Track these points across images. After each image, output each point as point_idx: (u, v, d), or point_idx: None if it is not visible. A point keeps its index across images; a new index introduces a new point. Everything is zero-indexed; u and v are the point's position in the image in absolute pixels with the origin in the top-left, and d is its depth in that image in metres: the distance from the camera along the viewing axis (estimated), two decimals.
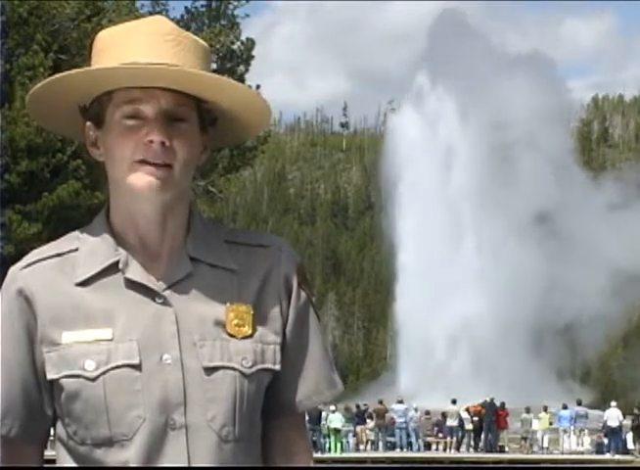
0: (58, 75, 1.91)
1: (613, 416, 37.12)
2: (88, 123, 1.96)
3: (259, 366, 1.93)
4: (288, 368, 1.97)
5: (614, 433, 37.10)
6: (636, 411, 37.75)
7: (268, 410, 1.97)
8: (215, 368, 1.89)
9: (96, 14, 26.80)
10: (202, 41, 1.98)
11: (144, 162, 1.87)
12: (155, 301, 1.90)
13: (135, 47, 1.90)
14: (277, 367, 1.95)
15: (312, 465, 2.04)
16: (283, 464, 2.01)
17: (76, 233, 1.98)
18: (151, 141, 1.87)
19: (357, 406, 40.58)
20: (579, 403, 39.24)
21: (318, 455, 33.52)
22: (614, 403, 37.66)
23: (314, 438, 35.76)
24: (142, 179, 1.87)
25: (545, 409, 39.67)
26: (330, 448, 37.21)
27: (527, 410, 39.32)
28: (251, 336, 1.93)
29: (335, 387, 2.03)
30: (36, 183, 25.64)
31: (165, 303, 1.91)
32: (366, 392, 62.47)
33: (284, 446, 2.00)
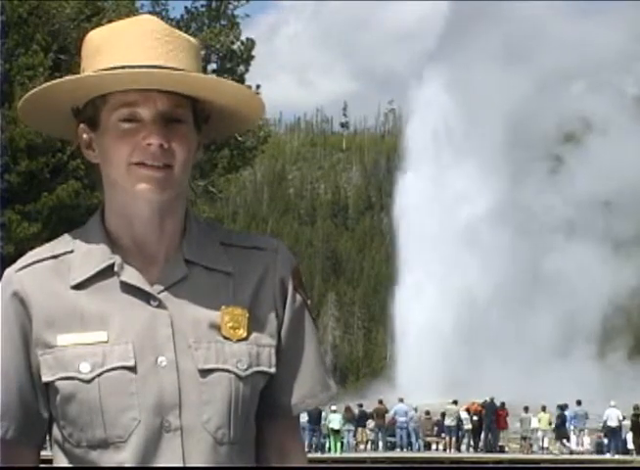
0: (51, 83, 1.90)
1: (612, 416, 37.13)
2: (82, 125, 1.95)
3: (254, 369, 1.92)
4: (283, 371, 1.97)
5: (613, 433, 37.12)
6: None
7: (263, 413, 1.97)
8: (210, 371, 1.89)
9: (96, 14, 26.81)
10: (192, 39, 1.98)
11: (142, 164, 1.87)
12: (150, 303, 1.90)
13: (128, 49, 1.89)
14: (272, 370, 1.95)
15: (308, 466, 2.03)
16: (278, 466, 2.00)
17: (71, 235, 1.98)
18: (149, 144, 1.87)
19: (360, 405, 40.55)
20: (579, 403, 39.23)
21: (318, 455, 33.57)
22: (613, 403, 37.64)
23: (314, 438, 35.80)
24: (141, 181, 1.87)
25: (544, 409, 39.67)
26: (330, 448, 37.23)
27: (526, 410, 39.29)
28: (246, 339, 1.93)
29: (329, 390, 2.03)
30: (36, 183, 25.66)
31: (161, 305, 1.90)
32: (366, 392, 62.41)
33: (278, 449, 2.00)
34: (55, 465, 1.94)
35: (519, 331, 68.32)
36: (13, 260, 1.97)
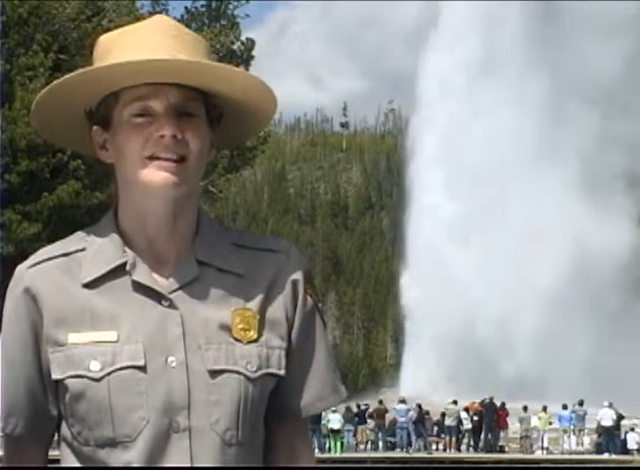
0: (61, 79, 1.89)
1: (606, 416, 37.10)
2: (95, 127, 1.95)
3: (264, 371, 1.92)
4: (292, 374, 1.97)
5: (608, 433, 37.06)
6: None
7: (272, 415, 1.97)
8: (220, 372, 1.89)
9: (96, 14, 26.83)
10: (200, 37, 1.98)
11: (155, 157, 1.86)
12: (161, 303, 1.90)
13: (138, 45, 1.89)
14: (282, 372, 1.95)
15: (307, 466, 2.03)
16: None
17: (84, 233, 1.97)
18: (162, 136, 1.86)
19: (358, 406, 40.56)
20: (581, 404, 39.21)
21: (318, 455, 33.54)
22: (607, 403, 37.58)
23: (314, 438, 35.79)
24: (156, 175, 1.86)
25: (544, 409, 39.67)
26: (330, 448, 37.22)
27: (525, 409, 39.28)
28: (256, 340, 1.93)
29: (338, 393, 2.03)
30: (36, 183, 25.69)
31: (172, 305, 1.90)
32: (366, 392, 62.31)
33: (287, 451, 2.00)
34: (62, 464, 1.94)
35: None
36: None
